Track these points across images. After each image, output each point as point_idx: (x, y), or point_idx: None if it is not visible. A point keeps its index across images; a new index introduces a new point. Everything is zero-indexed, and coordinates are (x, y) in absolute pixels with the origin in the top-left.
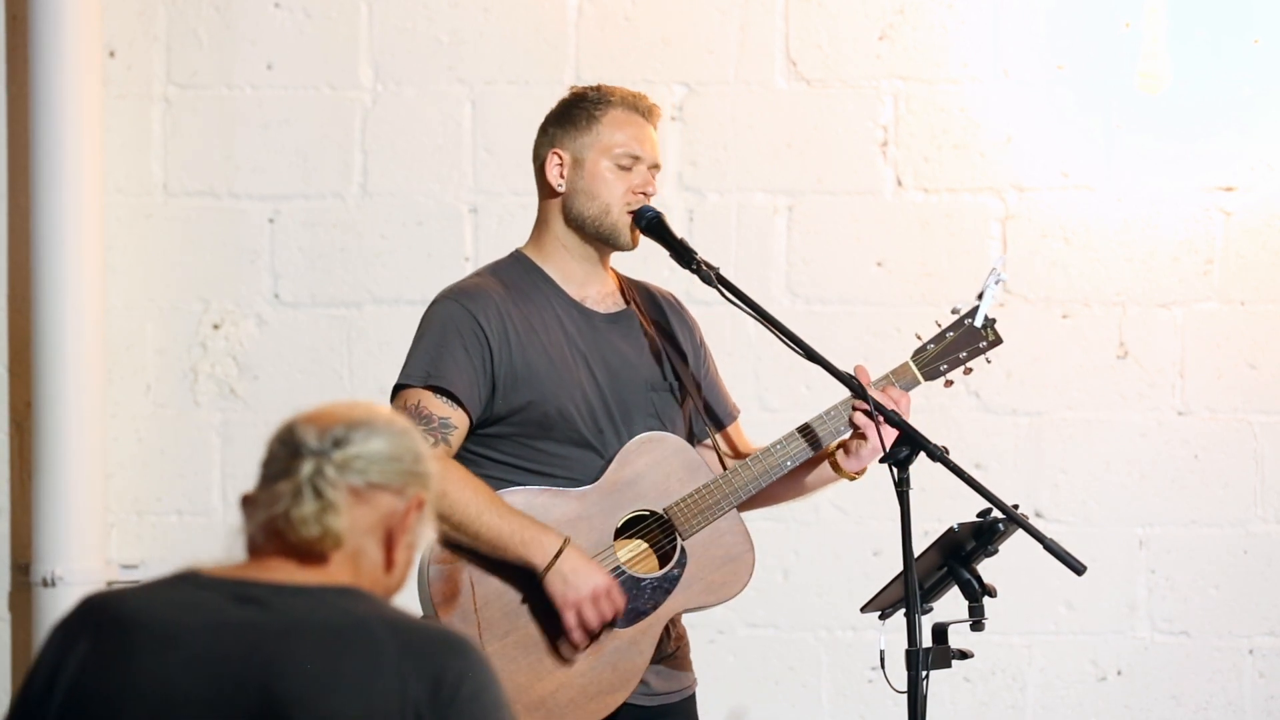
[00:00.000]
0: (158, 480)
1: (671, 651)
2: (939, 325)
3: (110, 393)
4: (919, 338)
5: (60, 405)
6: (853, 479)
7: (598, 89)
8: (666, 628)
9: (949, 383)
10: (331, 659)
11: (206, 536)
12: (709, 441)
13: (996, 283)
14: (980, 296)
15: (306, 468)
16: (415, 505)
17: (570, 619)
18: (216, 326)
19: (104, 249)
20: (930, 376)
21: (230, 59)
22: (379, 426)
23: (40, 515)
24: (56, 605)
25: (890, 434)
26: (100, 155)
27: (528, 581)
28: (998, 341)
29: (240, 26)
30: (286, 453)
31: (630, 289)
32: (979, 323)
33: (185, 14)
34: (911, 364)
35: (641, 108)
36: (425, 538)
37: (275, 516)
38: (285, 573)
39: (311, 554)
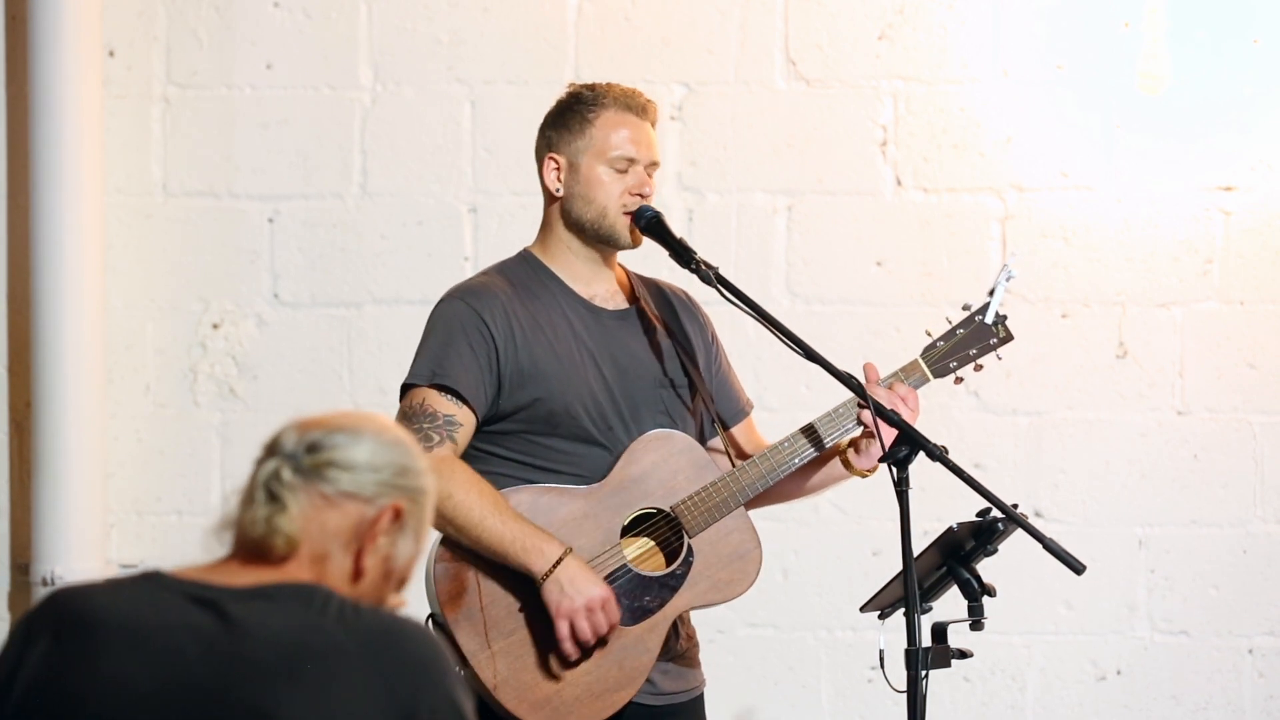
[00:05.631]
0: (158, 480)
1: (682, 651)
2: (949, 322)
3: (110, 393)
4: (929, 335)
5: (60, 405)
6: (864, 476)
7: (592, 88)
8: (676, 626)
9: (959, 380)
10: (287, 666)
11: (206, 536)
12: (719, 438)
13: (1008, 280)
14: (991, 293)
15: (266, 469)
16: (390, 515)
17: (563, 629)
18: (216, 326)
19: (104, 249)
20: (940, 374)
21: (230, 59)
22: (365, 435)
23: (40, 515)
24: None
25: (890, 433)
26: (100, 155)
27: (532, 582)
28: (1009, 338)
29: (240, 26)
30: (263, 454)
31: (640, 286)
32: (989, 319)
33: (185, 14)
34: (921, 361)
35: (636, 105)
36: (406, 550)
37: (237, 518)
38: (244, 576)
39: (267, 556)
